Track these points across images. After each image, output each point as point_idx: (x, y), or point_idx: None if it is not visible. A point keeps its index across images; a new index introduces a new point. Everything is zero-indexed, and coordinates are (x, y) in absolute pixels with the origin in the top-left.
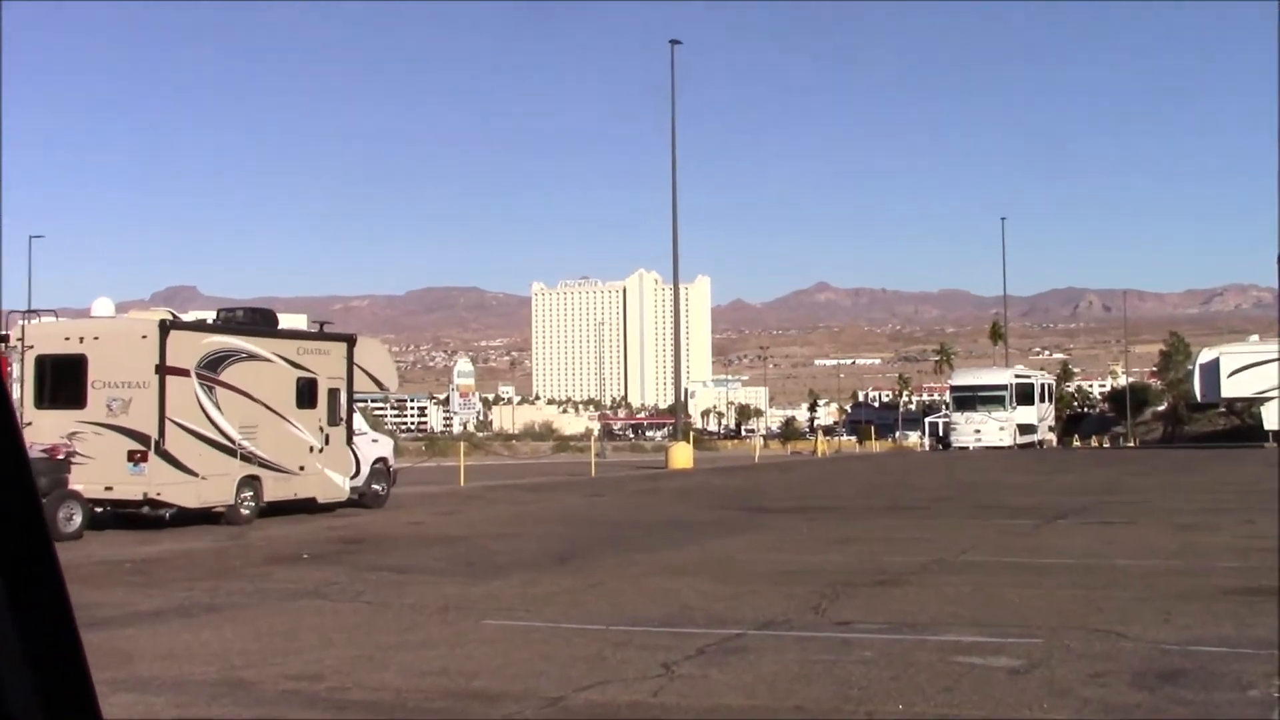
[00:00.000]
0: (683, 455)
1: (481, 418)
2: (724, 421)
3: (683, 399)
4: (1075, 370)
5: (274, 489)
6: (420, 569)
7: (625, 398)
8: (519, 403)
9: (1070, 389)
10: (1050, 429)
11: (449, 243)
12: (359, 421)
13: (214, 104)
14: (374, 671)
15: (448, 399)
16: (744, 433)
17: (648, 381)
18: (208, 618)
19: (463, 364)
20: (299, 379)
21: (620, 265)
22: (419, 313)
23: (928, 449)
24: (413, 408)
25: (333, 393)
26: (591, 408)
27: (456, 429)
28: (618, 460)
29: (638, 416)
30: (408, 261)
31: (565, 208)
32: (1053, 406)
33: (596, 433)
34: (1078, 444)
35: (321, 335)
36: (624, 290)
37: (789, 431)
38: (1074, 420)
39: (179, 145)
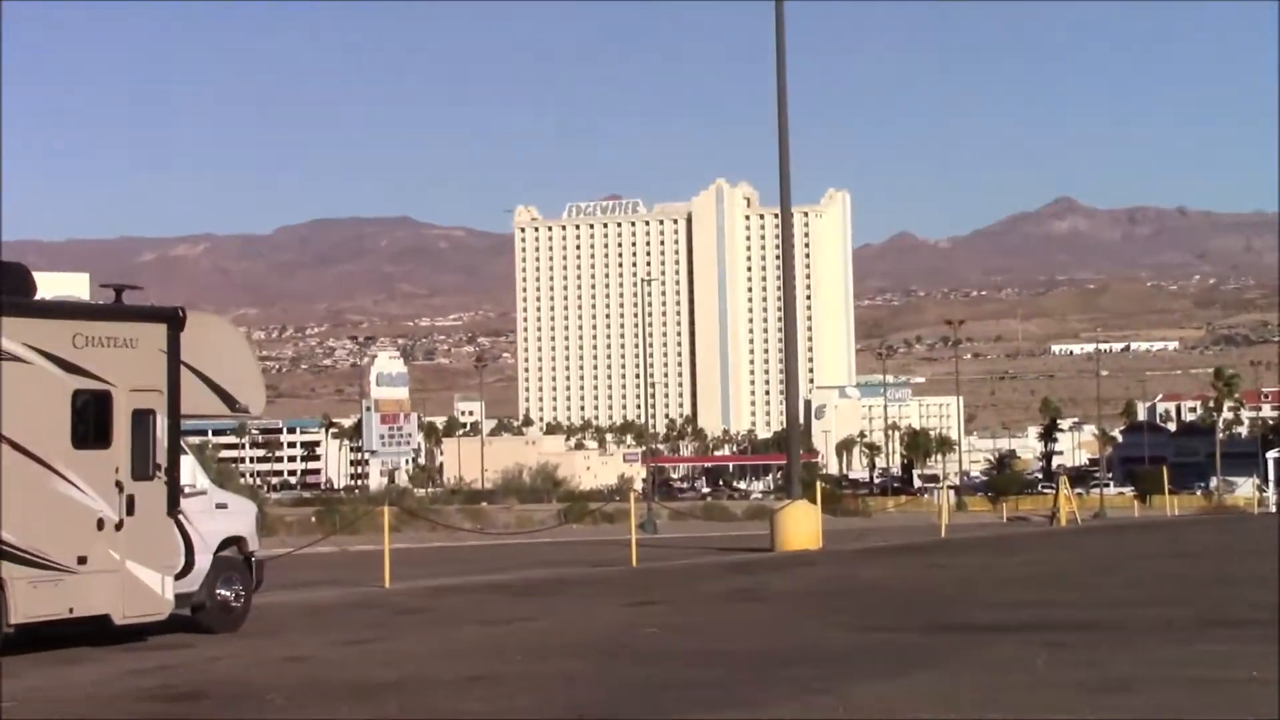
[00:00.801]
0: (803, 526)
1: (422, 460)
2: (879, 461)
3: (800, 421)
4: None
5: (28, 600)
6: None
7: (694, 421)
8: (493, 431)
9: None
10: None
11: (357, 147)
12: (193, 471)
13: None
14: None
15: (359, 427)
16: (918, 482)
17: (736, 390)
18: None
19: (386, 361)
20: (77, 394)
21: (677, 180)
22: (302, 266)
23: (1274, 508)
24: (293, 444)
25: (141, 418)
26: (629, 440)
27: (376, 481)
28: (680, 536)
29: (716, 456)
30: (277, 177)
31: (571, 83)
32: None
33: (640, 486)
34: None
35: (121, 312)
36: (688, 219)
37: (1005, 479)
38: None
39: None
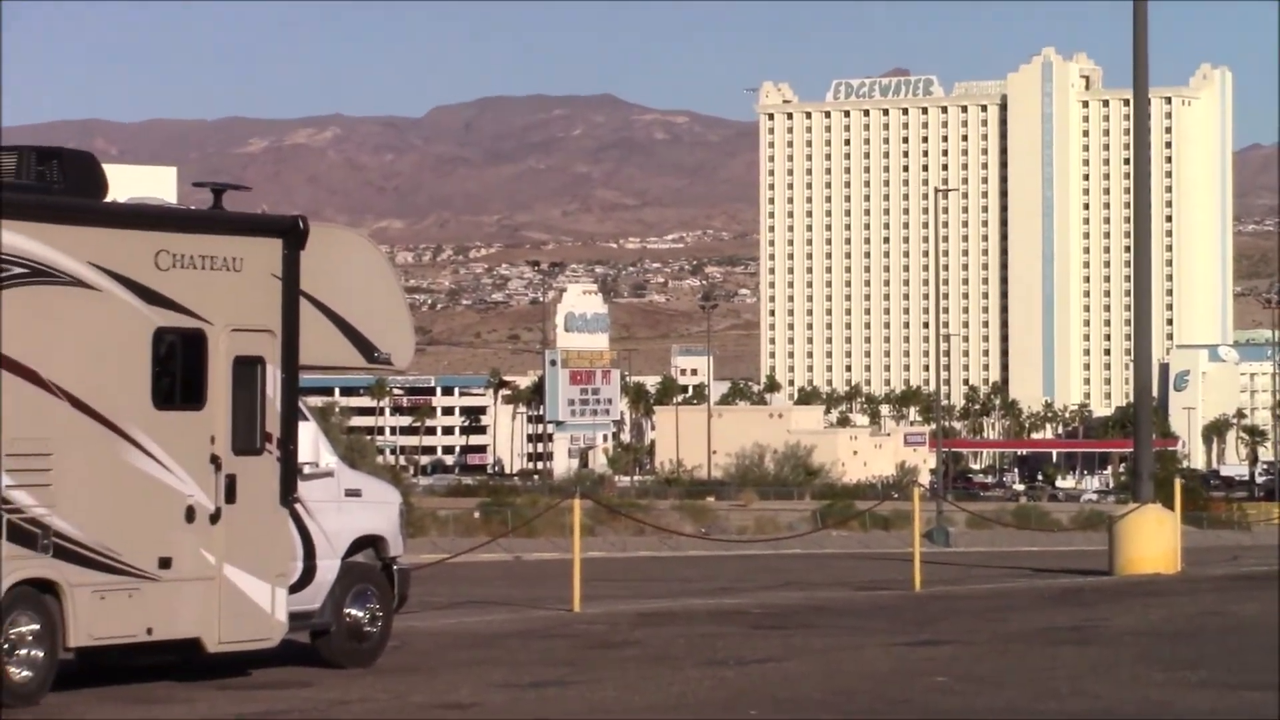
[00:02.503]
0: (1154, 540)
1: (627, 437)
2: (1264, 451)
3: (1152, 394)
4: None
5: (93, 616)
6: None
7: (1003, 391)
8: (725, 398)
9: None
10: None
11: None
12: (315, 444)
13: None
14: None
15: (540, 389)
16: None
17: (1064, 349)
18: None
19: (578, 297)
20: (160, 333)
21: (987, 51)
22: (465, 163)
23: None
24: (450, 410)
25: (247, 369)
26: (912, 415)
27: (564, 464)
28: (981, 550)
29: (1034, 440)
30: (432, 40)
31: None
32: None
33: (928, 479)
34: None
35: (221, 222)
36: (1001, 104)
37: None
38: None
39: None
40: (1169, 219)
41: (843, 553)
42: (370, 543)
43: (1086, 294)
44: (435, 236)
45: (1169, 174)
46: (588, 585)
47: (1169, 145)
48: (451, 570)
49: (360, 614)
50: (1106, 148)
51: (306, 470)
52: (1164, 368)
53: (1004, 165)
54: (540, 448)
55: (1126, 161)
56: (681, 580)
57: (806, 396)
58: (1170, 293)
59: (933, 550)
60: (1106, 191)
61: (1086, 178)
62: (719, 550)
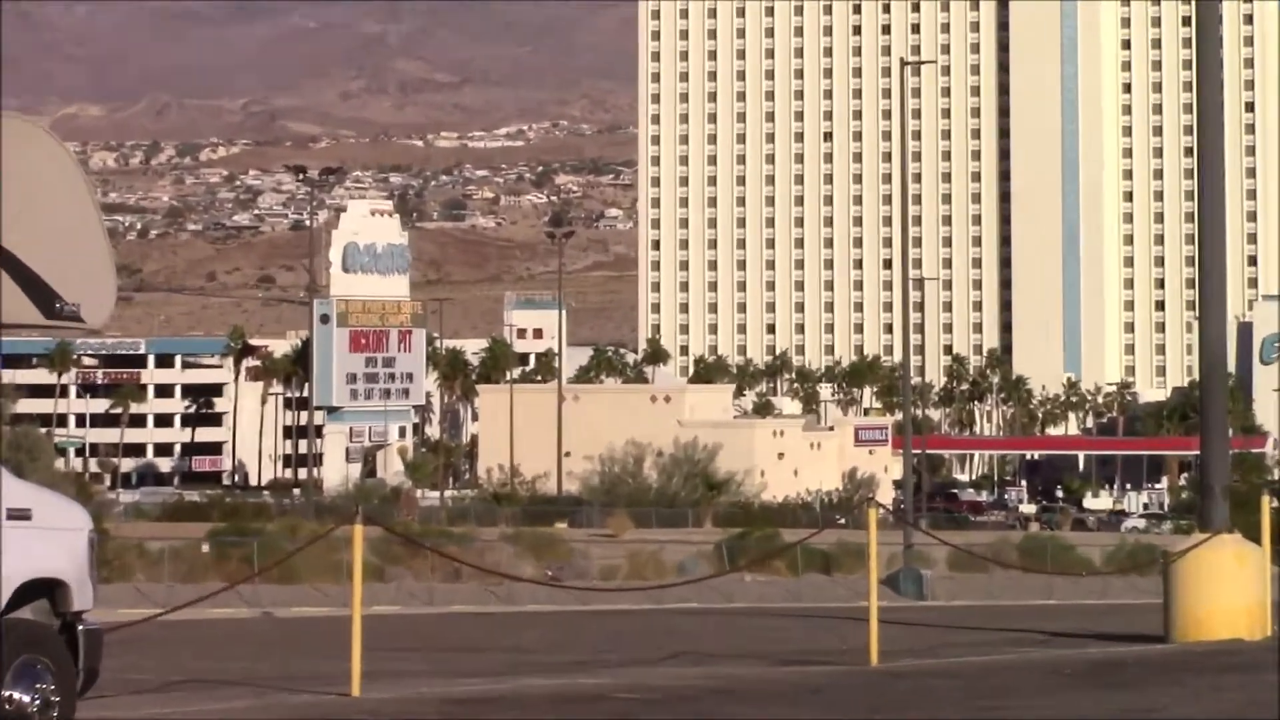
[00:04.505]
0: (1230, 590)
1: (435, 429)
2: None
3: (1226, 368)
4: None
5: None
6: None
7: (1004, 364)
8: (583, 374)
9: None
10: None
11: None
12: None
13: None
14: None
15: (304, 357)
16: None
17: (1093, 309)
18: None
19: (363, 219)
20: None
21: None
22: (202, 21)
23: None
24: (168, 391)
25: None
26: (868, 398)
27: (338, 472)
28: (970, 604)
29: (1050, 437)
30: None
31: None
32: None
33: (889, 497)
34: None
35: None
36: None
37: None
38: None
39: None
40: (1250, 129)
41: (762, 608)
42: (44, 589)
43: (1129, 227)
44: (150, 129)
45: (1251, 82)
46: (373, 656)
47: (1251, 44)
48: (168, 631)
49: (25, 698)
50: (1158, 47)
51: None
52: (1244, 330)
53: (1004, 37)
54: (304, 447)
55: (1188, 65)
56: (516, 650)
57: (708, 371)
58: (1253, 224)
59: (898, 604)
60: (1158, 88)
61: (1127, 66)
62: (573, 604)
